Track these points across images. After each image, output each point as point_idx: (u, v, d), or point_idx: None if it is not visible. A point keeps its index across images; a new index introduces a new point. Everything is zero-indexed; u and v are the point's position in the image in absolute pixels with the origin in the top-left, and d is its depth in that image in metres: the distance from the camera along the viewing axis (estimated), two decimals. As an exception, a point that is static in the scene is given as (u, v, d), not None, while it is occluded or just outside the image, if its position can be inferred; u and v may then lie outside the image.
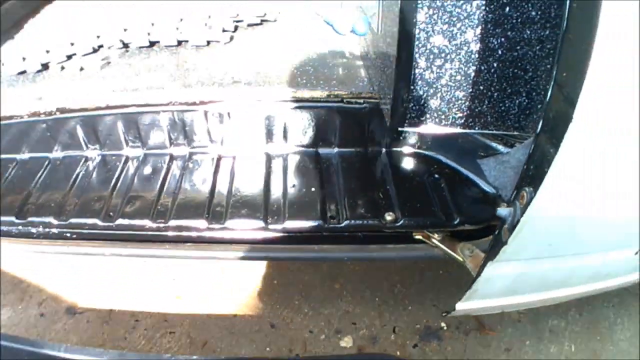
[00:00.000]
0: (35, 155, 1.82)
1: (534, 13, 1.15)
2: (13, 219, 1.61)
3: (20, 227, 1.62)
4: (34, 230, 1.62)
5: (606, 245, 1.22)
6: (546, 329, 1.80)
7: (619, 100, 0.84)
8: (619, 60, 0.78)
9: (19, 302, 2.07)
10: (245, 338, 1.76)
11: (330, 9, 2.13)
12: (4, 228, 1.65)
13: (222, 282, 2.01)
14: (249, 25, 2.09)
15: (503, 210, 1.03)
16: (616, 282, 1.42)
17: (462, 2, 1.14)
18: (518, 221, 1.00)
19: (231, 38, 2.00)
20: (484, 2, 1.14)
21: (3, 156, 1.85)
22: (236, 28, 2.07)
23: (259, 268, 2.05)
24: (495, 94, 1.27)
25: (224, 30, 1.99)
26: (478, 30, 1.18)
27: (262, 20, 2.12)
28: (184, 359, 1.39)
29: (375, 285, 1.93)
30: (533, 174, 0.97)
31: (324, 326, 1.80)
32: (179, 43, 1.96)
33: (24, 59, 1.98)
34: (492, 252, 1.10)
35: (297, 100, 1.61)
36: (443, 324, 1.77)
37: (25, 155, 1.83)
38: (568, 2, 0.78)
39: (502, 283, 1.23)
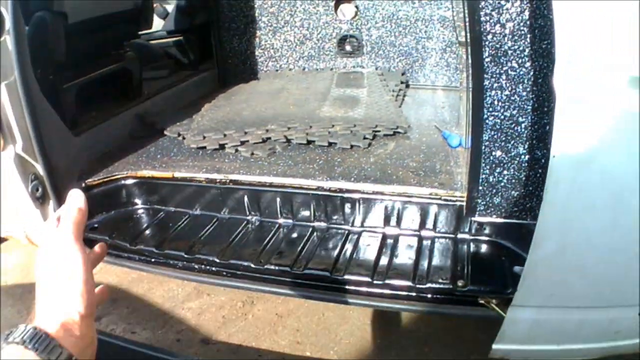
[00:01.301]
0: (206, 213, 2.76)
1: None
2: (183, 254, 2.46)
3: (186, 263, 2.50)
4: (196, 266, 2.53)
5: (607, 301, 1.76)
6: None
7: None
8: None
9: (160, 328, 2.97)
10: None
11: (449, 124, 3.07)
12: (171, 261, 2.56)
13: (337, 334, 2.84)
14: (384, 134, 3.00)
15: (518, 268, 1.77)
16: (631, 343, 1.89)
17: (513, 125, 1.88)
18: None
19: (369, 144, 2.89)
20: (530, 123, 1.87)
21: (179, 209, 2.83)
22: (374, 136, 2.98)
23: (368, 324, 2.87)
24: (541, 193, 1.98)
25: (364, 138, 2.91)
26: (526, 145, 1.90)
27: (394, 132, 3.01)
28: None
29: (457, 351, 2.67)
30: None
31: (411, 378, 2.55)
32: (330, 144, 2.90)
33: (204, 137, 2.99)
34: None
35: (408, 195, 2.42)
36: None
37: (197, 212, 2.78)
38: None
39: (523, 327, 1.89)
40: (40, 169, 2.49)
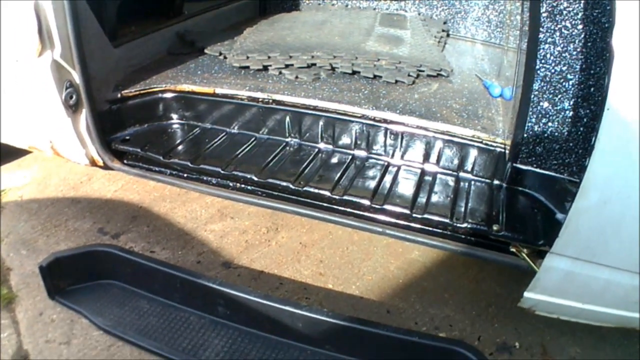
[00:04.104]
0: (244, 132, 2.79)
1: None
2: (219, 170, 2.49)
3: (221, 179, 2.58)
4: (231, 184, 2.56)
5: (634, 265, 1.80)
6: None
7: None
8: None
9: (180, 249, 2.97)
10: (364, 316, 2.48)
11: (489, 75, 3.07)
12: (205, 177, 2.60)
13: (360, 269, 2.85)
14: (428, 75, 2.99)
15: (560, 215, 1.81)
16: None
17: (562, 80, 1.93)
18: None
19: (413, 82, 2.89)
20: (577, 82, 1.92)
21: (215, 127, 2.84)
22: (418, 75, 2.97)
23: (391, 263, 2.91)
24: (580, 151, 2.02)
25: (409, 75, 2.90)
26: (572, 101, 1.96)
27: (438, 74, 3.00)
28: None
29: (476, 301, 2.68)
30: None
31: (427, 322, 2.55)
32: (374, 77, 2.90)
33: (247, 57, 2.97)
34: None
35: (450, 134, 2.44)
36: (517, 344, 2.45)
37: (235, 130, 2.80)
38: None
39: (556, 277, 1.95)
40: (76, 76, 2.50)
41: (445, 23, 4.14)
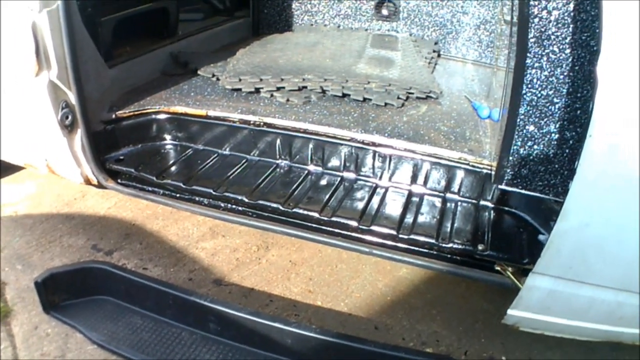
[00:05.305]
0: (235, 154, 2.88)
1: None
2: (211, 191, 2.58)
3: (212, 200, 2.64)
4: (223, 204, 2.63)
5: (617, 283, 1.89)
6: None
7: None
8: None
9: (172, 266, 3.04)
10: (352, 333, 2.54)
11: (478, 96, 3.17)
12: (197, 198, 2.67)
13: (348, 287, 2.93)
14: (417, 97, 3.09)
15: (543, 236, 1.92)
16: (631, 332, 2.03)
17: (548, 104, 1.98)
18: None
19: (402, 104, 2.97)
20: (563, 105, 1.96)
21: (207, 148, 2.93)
22: (407, 97, 3.07)
23: (379, 281, 2.98)
24: (565, 172, 2.06)
25: (398, 97, 2.99)
26: (558, 125, 2.00)
27: (427, 96, 3.10)
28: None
29: (463, 317, 2.76)
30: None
31: (415, 337, 2.63)
32: (364, 100, 2.99)
33: (240, 79, 3.06)
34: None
35: (437, 157, 2.52)
36: (503, 358, 2.53)
37: (227, 152, 2.89)
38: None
39: (539, 295, 2.01)
40: (72, 97, 2.57)
41: (436, 43, 4.23)
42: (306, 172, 2.76)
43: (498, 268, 2.24)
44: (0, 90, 2.62)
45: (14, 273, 2.90)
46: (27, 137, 2.77)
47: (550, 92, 1.97)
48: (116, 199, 3.60)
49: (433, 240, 2.32)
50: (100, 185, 2.79)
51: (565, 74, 1.93)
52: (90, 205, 3.54)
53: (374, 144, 2.59)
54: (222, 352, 2.36)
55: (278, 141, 2.76)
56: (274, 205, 2.49)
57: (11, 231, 3.25)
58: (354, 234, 2.42)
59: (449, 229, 2.38)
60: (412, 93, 3.08)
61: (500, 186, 2.18)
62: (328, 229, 2.46)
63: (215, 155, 2.87)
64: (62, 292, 2.57)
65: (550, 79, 1.95)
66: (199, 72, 3.37)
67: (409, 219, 2.44)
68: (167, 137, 2.98)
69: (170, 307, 2.48)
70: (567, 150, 2.03)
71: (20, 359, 2.41)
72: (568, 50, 1.89)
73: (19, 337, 2.51)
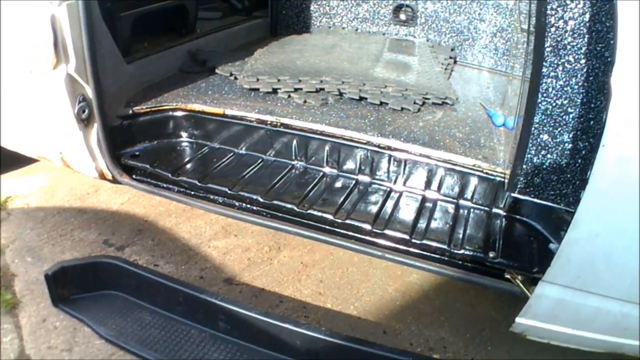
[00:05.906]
0: (251, 153, 2.91)
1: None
2: (226, 189, 2.61)
3: (227, 199, 2.67)
4: (237, 203, 2.65)
5: (623, 294, 1.89)
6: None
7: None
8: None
9: (183, 264, 3.07)
10: (361, 336, 2.53)
11: (493, 104, 3.19)
12: (212, 196, 2.69)
13: (359, 290, 2.95)
14: (433, 103, 3.10)
15: (553, 245, 1.94)
16: (634, 344, 2.03)
17: (562, 114, 1.99)
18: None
19: (418, 110, 2.99)
20: (577, 115, 1.97)
21: (223, 146, 2.95)
22: (424, 103, 3.08)
23: (389, 285, 3.00)
24: (577, 182, 2.06)
25: (414, 102, 3.01)
26: (571, 134, 2.01)
27: (443, 102, 3.11)
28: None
29: (471, 324, 2.78)
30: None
31: (422, 343, 2.65)
32: (381, 103, 3.01)
33: (257, 79, 3.08)
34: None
35: (451, 163, 2.53)
36: None
37: (242, 151, 2.91)
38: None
39: (547, 304, 2.02)
40: (89, 91, 2.60)
41: (453, 50, 4.24)
42: (321, 174, 2.78)
43: (508, 276, 2.24)
44: (15, 82, 2.65)
45: (23, 265, 2.93)
46: (42, 130, 2.79)
47: (565, 102, 1.99)
48: (129, 195, 3.62)
49: (445, 246, 2.34)
50: (114, 180, 2.81)
51: (580, 84, 1.94)
52: (103, 200, 3.57)
53: (389, 148, 2.61)
54: (231, 351, 2.37)
55: (294, 142, 2.79)
56: (289, 205, 2.52)
57: (22, 223, 3.28)
58: (367, 237, 2.44)
59: (461, 236, 2.40)
60: (429, 98, 3.09)
61: (512, 194, 2.20)
62: (341, 231, 2.48)
63: (231, 154, 2.90)
64: (72, 286, 2.59)
65: (565, 89, 1.96)
66: (216, 70, 3.39)
67: (422, 224, 2.46)
68: (184, 134, 3.00)
69: (180, 305, 2.49)
70: (579, 160, 2.03)
71: (26, 351, 2.43)
72: (583, 61, 1.90)
73: (27, 329, 2.53)
